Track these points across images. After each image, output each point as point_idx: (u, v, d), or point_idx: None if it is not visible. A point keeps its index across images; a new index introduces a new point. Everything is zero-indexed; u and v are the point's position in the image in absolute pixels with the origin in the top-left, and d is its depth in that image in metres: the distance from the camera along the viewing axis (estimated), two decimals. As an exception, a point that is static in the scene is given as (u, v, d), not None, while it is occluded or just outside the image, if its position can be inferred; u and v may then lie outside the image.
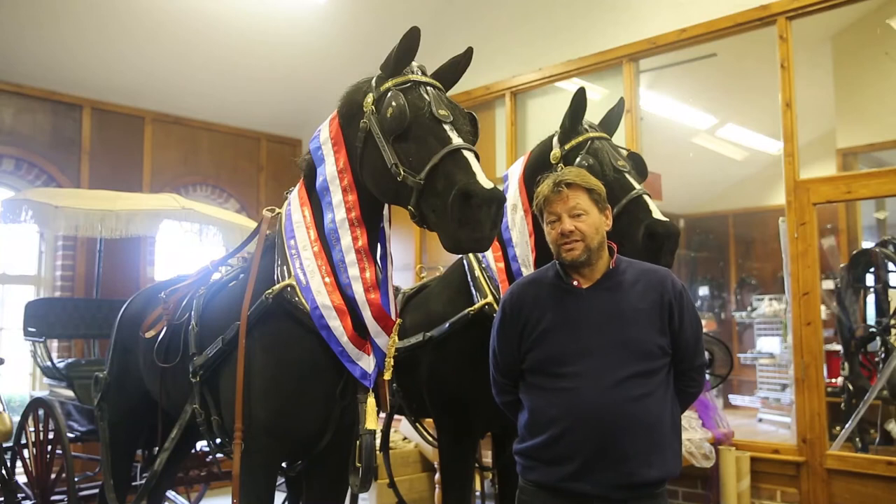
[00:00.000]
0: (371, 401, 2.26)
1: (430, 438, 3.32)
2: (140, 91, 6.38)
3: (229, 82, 6.55)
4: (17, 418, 4.60)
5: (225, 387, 2.43)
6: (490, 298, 2.71)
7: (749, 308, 8.23)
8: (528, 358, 2.17)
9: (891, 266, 5.01)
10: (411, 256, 6.46)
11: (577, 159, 2.62)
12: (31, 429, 4.38)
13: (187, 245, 6.64)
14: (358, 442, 2.25)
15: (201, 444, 3.91)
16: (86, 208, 4.83)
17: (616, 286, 2.15)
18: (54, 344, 5.75)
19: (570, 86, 5.57)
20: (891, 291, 4.97)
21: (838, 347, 5.28)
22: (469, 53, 2.25)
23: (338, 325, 2.19)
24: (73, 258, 6.08)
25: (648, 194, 2.62)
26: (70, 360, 4.72)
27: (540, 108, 5.94)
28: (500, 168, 5.95)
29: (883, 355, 4.83)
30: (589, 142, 2.68)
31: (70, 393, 4.36)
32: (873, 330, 4.95)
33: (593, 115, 2.83)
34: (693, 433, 4.01)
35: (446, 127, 2.05)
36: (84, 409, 4.27)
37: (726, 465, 4.11)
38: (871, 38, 5.28)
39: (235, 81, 6.56)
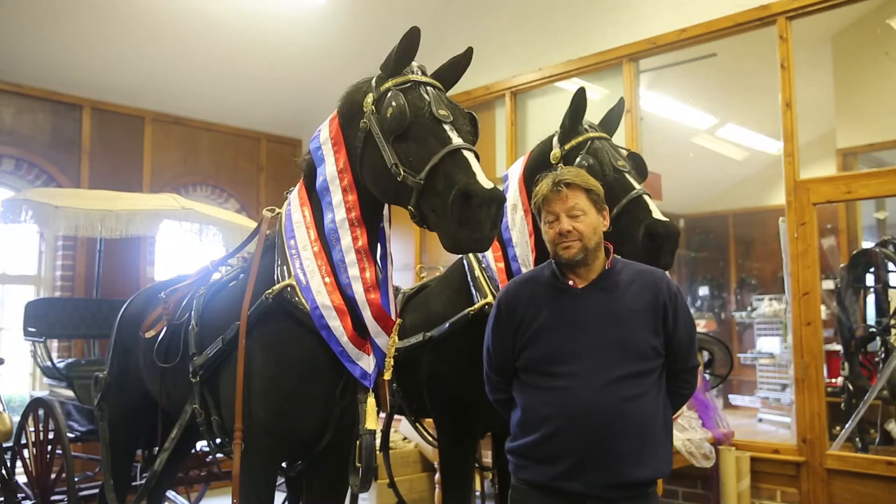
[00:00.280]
0: (371, 401, 2.26)
1: (430, 438, 3.32)
2: (140, 91, 6.38)
3: (229, 82, 6.55)
4: (17, 418, 4.60)
5: (225, 387, 2.43)
6: (490, 298, 2.70)
7: (749, 308, 8.23)
8: (522, 356, 2.17)
9: (891, 266, 5.01)
10: (411, 256, 6.46)
11: (577, 159, 2.62)
12: (31, 429, 4.38)
13: (187, 245, 6.64)
14: (358, 442, 2.25)
15: (201, 444, 3.91)
16: (86, 208, 4.83)
17: (611, 287, 2.16)
18: (54, 344, 5.75)
19: (570, 86, 5.57)
20: (891, 291, 4.97)
21: (838, 347, 5.28)
22: (469, 53, 2.25)
23: (338, 325, 2.19)
24: (73, 258, 6.08)
25: (648, 194, 2.62)
26: (70, 360, 4.72)
27: (540, 108, 5.94)
28: (500, 168, 5.95)
29: (883, 355, 4.83)
30: (589, 142, 2.67)
31: (70, 393, 4.36)
32: (873, 330, 4.95)
33: (593, 115, 2.83)
34: (693, 433, 4.01)
35: (446, 127, 2.05)
36: (84, 409, 4.27)
37: (726, 465, 4.12)
38: (871, 38, 5.28)
39: (235, 81, 6.56)
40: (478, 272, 2.81)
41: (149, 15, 5.64)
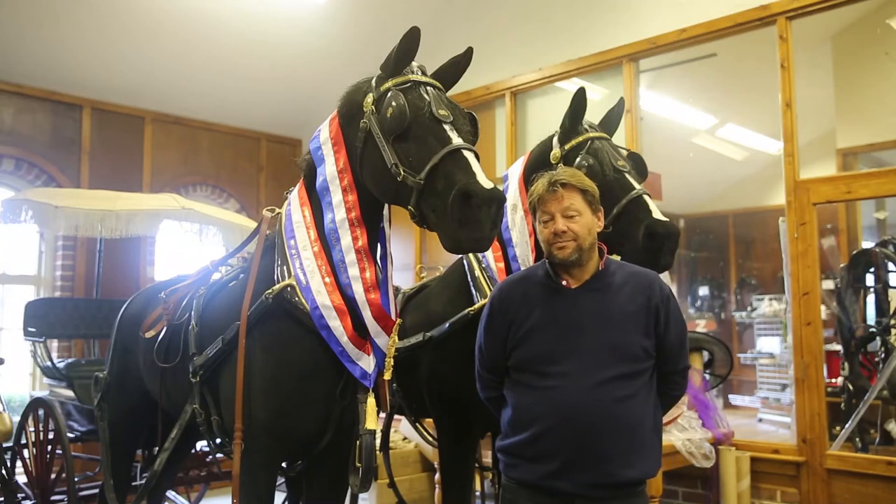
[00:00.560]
0: (371, 401, 2.26)
1: (430, 438, 3.32)
2: (140, 91, 6.38)
3: (229, 82, 6.55)
4: (17, 418, 4.60)
5: (225, 387, 2.43)
6: (490, 298, 2.71)
7: (749, 308, 8.23)
8: (514, 355, 2.18)
9: (891, 266, 5.01)
10: (411, 256, 6.46)
11: (577, 159, 2.62)
12: (31, 429, 4.38)
13: (187, 245, 6.64)
14: (358, 442, 2.25)
15: (201, 444, 3.91)
16: (86, 208, 4.83)
17: (604, 287, 2.17)
18: (54, 344, 5.75)
19: (570, 86, 5.57)
20: (891, 291, 4.97)
21: (838, 347, 5.28)
22: (469, 53, 2.25)
23: (338, 325, 2.19)
24: (73, 258, 6.08)
25: (648, 194, 2.62)
26: (70, 360, 4.72)
27: (540, 108, 5.94)
28: (500, 168, 5.95)
29: (883, 355, 4.83)
30: (589, 142, 2.68)
31: (70, 393, 4.36)
32: (873, 330, 4.94)
33: (593, 115, 2.83)
34: (693, 433, 4.01)
35: (446, 127, 2.05)
36: (84, 409, 4.27)
37: (726, 465, 4.12)
38: (871, 38, 5.28)
39: (235, 81, 6.56)
40: (478, 272, 2.81)
41: (149, 15, 5.64)
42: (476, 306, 2.73)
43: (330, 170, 2.25)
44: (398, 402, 3.15)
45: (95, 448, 3.99)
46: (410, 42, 2.13)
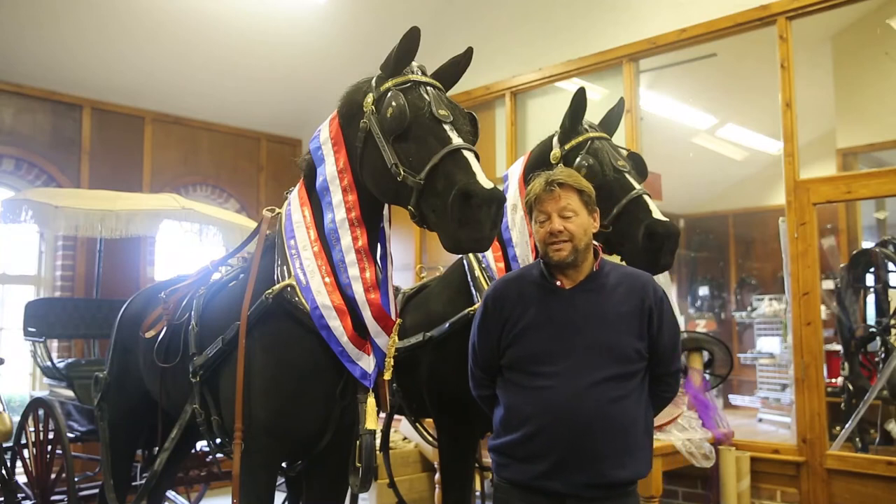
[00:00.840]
0: (371, 401, 2.26)
1: (430, 438, 3.32)
2: (140, 91, 6.38)
3: (229, 82, 6.55)
4: (17, 418, 4.60)
5: (225, 387, 2.43)
6: (490, 299, 2.71)
7: (749, 308, 8.23)
8: (507, 354, 2.19)
9: (891, 266, 5.01)
10: (411, 256, 6.46)
11: (577, 159, 2.62)
12: (31, 429, 4.38)
13: (187, 245, 6.64)
14: (358, 442, 2.25)
15: (201, 444, 3.91)
16: (86, 208, 4.83)
17: (598, 288, 2.18)
18: (54, 344, 5.75)
19: (570, 86, 5.57)
20: (891, 291, 4.96)
21: (838, 347, 5.28)
22: (469, 53, 2.25)
23: (338, 325, 2.19)
24: (73, 258, 6.08)
25: (648, 194, 2.62)
26: (70, 360, 4.72)
27: (540, 108, 5.94)
28: (500, 168, 5.95)
29: (883, 355, 4.83)
30: (589, 142, 2.68)
31: (70, 393, 4.36)
32: (873, 330, 4.94)
33: (593, 115, 2.83)
34: (693, 433, 4.00)
35: (446, 127, 2.05)
36: (84, 409, 4.27)
37: (726, 465, 4.11)
38: (871, 38, 5.28)
39: (235, 81, 6.56)
40: (478, 272, 2.81)
41: (149, 15, 5.64)
42: (476, 306, 2.72)
43: (330, 170, 2.25)
44: (398, 402, 3.15)
45: (95, 448, 3.99)
46: (410, 42, 2.13)
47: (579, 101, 2.71)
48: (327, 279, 2.22)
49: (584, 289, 2.17)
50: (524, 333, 2.16)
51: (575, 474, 2.04)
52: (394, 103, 2.06)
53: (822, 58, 5.58)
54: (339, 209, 2.22)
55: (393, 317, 2.27)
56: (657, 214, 2.54)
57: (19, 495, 4.48)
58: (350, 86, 2.31)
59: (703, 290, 8.96)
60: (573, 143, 2.69)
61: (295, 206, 2.36)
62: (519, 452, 2.12)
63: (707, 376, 4.50)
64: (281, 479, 2.74)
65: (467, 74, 2.29)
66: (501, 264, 2.76)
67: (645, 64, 5.33)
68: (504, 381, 2.22)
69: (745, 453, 4.26)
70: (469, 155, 2.00)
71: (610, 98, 5.04)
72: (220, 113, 6.98)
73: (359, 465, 2.24)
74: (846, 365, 4.98)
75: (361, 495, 2.55)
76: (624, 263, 2.58)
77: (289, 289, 2.25)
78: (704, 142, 7.74)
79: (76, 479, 4.14)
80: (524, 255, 2.68)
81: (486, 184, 1.90)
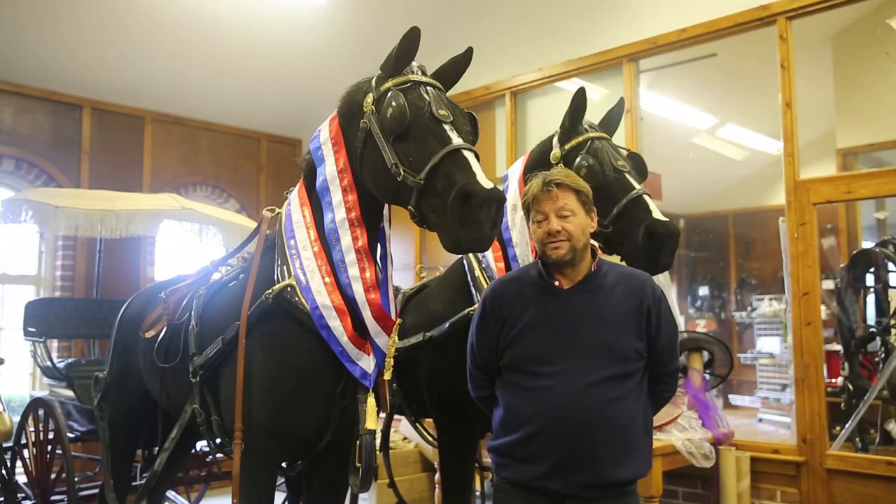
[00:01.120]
0: (371, 401, 2.26)
1: (430, 438, 3.32)
2: (140, 91, 6.38)
3: (229, 82, 6.55)
4: (17, 418, 4.60)
5: (225, 387, 2.43)
6: (490, 299, 2.70)
7: (749, 308, 8.23)
8: (506, 355, 2.19)
9: (891, 266, 5.01)
10: (411, 256, 6.46)
11: (577, 159, 2.63)
12: (31, 429, 4.38)
13: (187, 245, 6.64)
14: (358, 442, 2.25)
15: (201, 444, 3.91)
16: (86, 208, 4.83)
17: (596, 288, 2.18)
18: (54, 344, 5.75)
19: (570, 86, 5.57)
20: (891, 291, 4.96)
21: (838, 347, 5.28)
22: (469, 53, 2.25)
23: (338, 325, 2.19)
24: (73, 258, 6.08)
25: (648, 194, 2.62)
26: (70, 360, 4.72)
27: (540, 108, 5.94)
28: (500, 168, 5.95)
29: (883, 355, 4.83)
30: (589, 142, 2.68)
31: (70, 393, 4.36)
32: (873, 330, 4.94)
33: (593, 115, 2.83)
34: (693, 433, 4.00)
35: (446, 127, 2.05)
36: (84, 409, 4.27)
37: (726, 465, 4.11)
38: (871, 38, 5.28)
39: (235, 81, 6.56)
40: (478, 272, 2.81)
41: (149, 15, 5.64)
42: (476, 306, 2.73)
43: (330, 170, 2.25)
44: (398, 402, 3.15)
45: (95, 448, 3.99)
46: (410, 42, 2.13)
47: (579, 101, 2.71)
48: (327, 279, 2.22)
49: (582, 289, 2.18)
50: (523, 334, 2.16)
51: (574, 474, 2.04)
52: (394, 103, 2.06)
53: (822, 58, 5.58)
54: (339, 209, 2.22)
55: (393, 317, 2.27)
56: (657, 214, 2.54)
57: (19, 495, 4.48)
58: (350, 86, 2.31)
59: (703, 290, 8.96)
60: (573, 143, 2.69)
61: (295, 206, 2.36)
62: (518, 453, 2.12)
63: (707, 376, 4.50)
64: (281, 479, 2.74)
65: (467, 74, 2.29)
66: (501, 264, 2.76)
67: (645, 64, 5.33)
68: (503, 381, 2.22)
69: (745, 453, 4.26)
70: (469, 155, 2.00)
71: (610, 98, 5.04)
72: (220, 113, 6.98)
73: (359, 465, 2.24)
74: (846, 365, 4.98)
75: (361, 495, 2.55)
76: (623, 263, 2.58)
77: (289, 289, 2.25)
78: (704, 142, 7.74)
79: (76, 479, 4.14)
80: (524, 255, 2.68)
81: (486, 184, 1.90)
